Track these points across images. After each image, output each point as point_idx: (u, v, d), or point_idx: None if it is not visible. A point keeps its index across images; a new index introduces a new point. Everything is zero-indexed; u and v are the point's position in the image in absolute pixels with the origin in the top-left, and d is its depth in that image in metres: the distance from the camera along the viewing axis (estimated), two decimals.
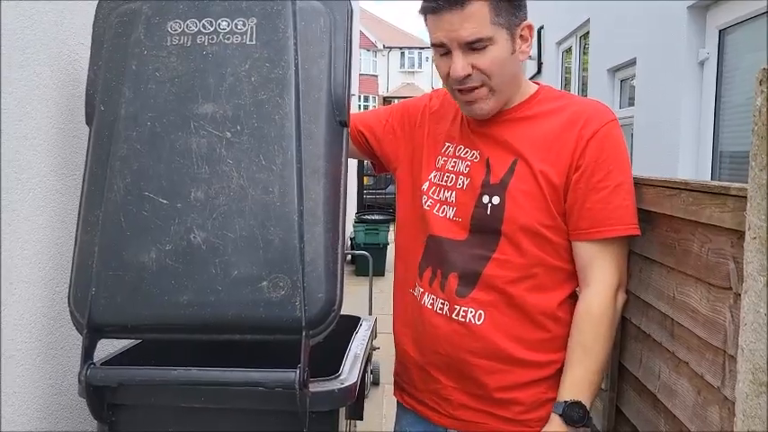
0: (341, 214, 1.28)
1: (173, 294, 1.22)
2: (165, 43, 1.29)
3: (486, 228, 1.37)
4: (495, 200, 1.36)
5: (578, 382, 1.35)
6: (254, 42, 1.27)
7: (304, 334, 1.20)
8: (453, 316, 1.39)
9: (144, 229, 1.23)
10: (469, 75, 1.34)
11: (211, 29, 1.28)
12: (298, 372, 1.20)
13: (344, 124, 1.32)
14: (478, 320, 1.37)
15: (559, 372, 1.39)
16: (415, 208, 1.49)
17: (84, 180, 1.32)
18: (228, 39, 1.27)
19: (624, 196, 1.36)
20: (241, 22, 1.27)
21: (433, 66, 1.45)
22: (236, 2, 1.30)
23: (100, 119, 1.32)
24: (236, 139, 1.24)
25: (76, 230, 1.31)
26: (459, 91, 1.37)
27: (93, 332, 1.25)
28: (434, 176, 1.47)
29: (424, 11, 1.35)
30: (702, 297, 1.22)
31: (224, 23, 1.27)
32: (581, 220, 1.35)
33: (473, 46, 1.31)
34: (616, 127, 1.39)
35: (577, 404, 1.33)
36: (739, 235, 1.08)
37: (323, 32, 1.29)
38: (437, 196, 1.45)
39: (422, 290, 1.45)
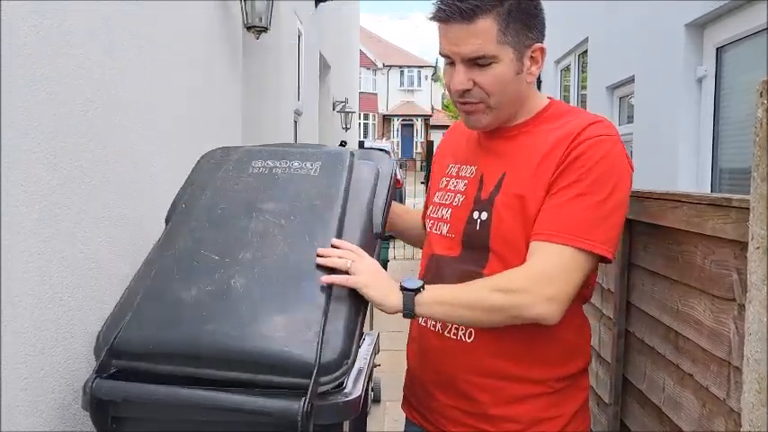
0: None
1: (199, 322, 1.31)
2: (246, 171, 1.61)
3: (475, 243, 1.37)
4: (484, 215, 1.35)
5: (448, 286, 1.32)
6: (316, 174, 1.58)
7: (315, 371, 1.22)
8: (446, 333, 1.39)
9: (191, 274, 1.40)
10: (469, 90, 1.33)
11: (285, 165, 1.61)
12: (302, 403, 1.20)
13: (378, 236, 1.53)
14: (469, 338, 1.36)
15: (555, 393, 1.36)
16: (426, 232, 1.52)
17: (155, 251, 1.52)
18: (297, 171, 1.59)
19: (583, 208, 1.26)
20: (309, 164, 1.60)
21: (432, 85, 1.47)
22: (309, 152, 1.63)
23: (180, 211, 1.58)
24: (288, 224, 1.47)
25: (132, 281, 1.47)
26: (461, 103, 1.38)
27: (112, 353, 1.30)
28: (437, 197, 1.49)
29: (434, 18, 1.34)
30: (706, 309, 1.23)
31: (296, 163, 1.60)
32: (536, 223, 1.31)
33: (477, 62, 1.31)
34: (611, 142, 1.30)
35: (421, 282, 1.30)
36: (742, 246, 1.09)
37: (370, 175, 1.60)
38: (435, 215, 1.47)
39: None
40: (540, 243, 1.27)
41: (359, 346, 1.31)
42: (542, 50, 1.36)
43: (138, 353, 1.31)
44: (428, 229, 1.48)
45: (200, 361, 1.28)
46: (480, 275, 1.33)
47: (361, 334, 1.33)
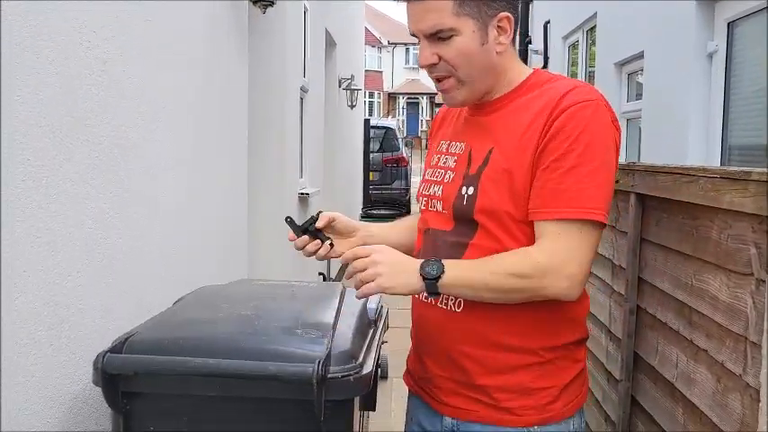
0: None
1: (215, 324, 1.46)
2: (246, 283, 2.15)
3: (463, 217, 1.38)
4: (470, 190, 1.36)
5: (466, 266, 1.31)
6: (318, 291, 1.99)
7: (324, 359, 1.27)
8: (438, 304, 1.40)
9: (203, 307, 1.63)
10: (435, 64, 1.34)
11: (285, 282, 2.12)
12: (316, 365, 1.20)
13: (373, 323, 1.77)
14: (458, 307, 1.37)
15: (546, 363, 1.35)
16: (420, 209, 1.53)
17: None
18: (296, 284, 2.04)
19: (580, 179, 1.26)
20: (306, 283, 2.06)
21: None
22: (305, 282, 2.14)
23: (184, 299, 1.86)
24: (291, 298, 1.83)
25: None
26: (436, 80, 1.39)
27: (128, 341, 1.36)
28: (428, 174, 1.50)
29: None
30: (722, 284, 1.22)
31: (295, 283, 2.09)
32: (534, 199, 1.31)
33: (438, 36, 1.32)
34: (592, 107, 1.28)
35: (440, 264, 1.29)
36: (761, 220, 1.07)
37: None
38: (428, 192, 1.48)
39: None
40: (549, 222, 1.28)
41: (367, 356, 1.42)
42: (509, 19, 1.35)
43: (151, 347, 1.33)
44: (422, 207, 1.50)
45: (214, 352, 1.30)
46: (467, 246, 1.36)
47: (370, 347, 1.48)
